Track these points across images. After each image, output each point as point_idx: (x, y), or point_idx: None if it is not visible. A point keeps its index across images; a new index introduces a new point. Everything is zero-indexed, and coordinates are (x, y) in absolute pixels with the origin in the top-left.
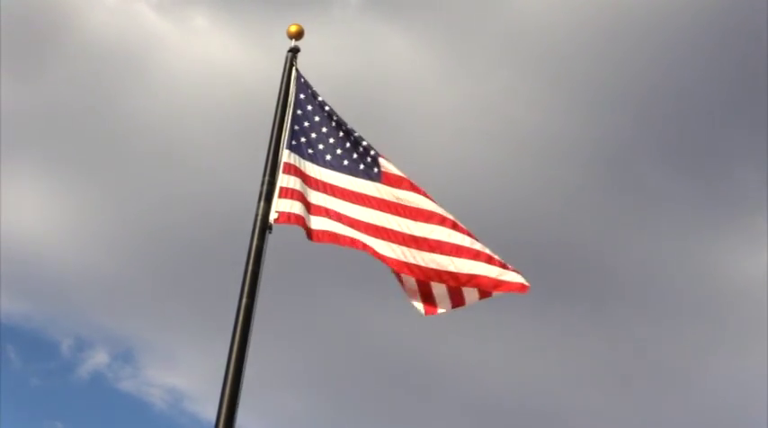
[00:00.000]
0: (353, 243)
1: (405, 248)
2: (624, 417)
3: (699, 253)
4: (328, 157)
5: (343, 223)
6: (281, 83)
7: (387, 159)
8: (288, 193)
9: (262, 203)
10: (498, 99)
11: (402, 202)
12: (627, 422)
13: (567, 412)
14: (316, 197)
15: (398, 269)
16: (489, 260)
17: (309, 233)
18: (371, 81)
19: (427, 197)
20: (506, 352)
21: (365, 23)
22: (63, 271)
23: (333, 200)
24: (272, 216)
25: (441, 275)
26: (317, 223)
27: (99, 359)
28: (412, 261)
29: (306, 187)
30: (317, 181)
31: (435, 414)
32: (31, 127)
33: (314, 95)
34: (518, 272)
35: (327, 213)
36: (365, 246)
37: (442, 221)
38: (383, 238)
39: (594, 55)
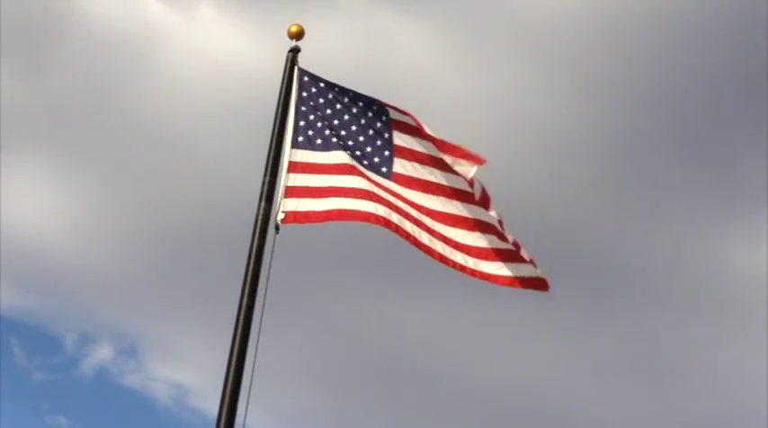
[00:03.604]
0: (354, 215)
1: (416, 227)
2: (628, 412)
3: (706, 246)
4: (335, 140)
5: (350, 196)
6: (282, 83)
7: (405, 158)
8: (294, 192)
9: (262, 203)
10: (509, 91)
11: (410, 199)
12: (631, 416)
13: (572, 407)
14: (323, 180)
15: (411, 240)
16: (511, 257)
17: (316, 216)
18: (377, 74)
19: (450, 197)
20: (511, 347)
21: (372, 15)
22: (67, 265)
23: (342, 178)
24: (279, 216)
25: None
26: (323, 204)
27: (103, 354)
28: (423, 239)
29: (312, 176)
30: (327, 166)
31: (440, 408)
32: (35, 121)
33: (326, 89)
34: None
35: (334, 192)
36: (368, 216)
37: (455, 222)
38: (395, 211)
39: (604, 48)
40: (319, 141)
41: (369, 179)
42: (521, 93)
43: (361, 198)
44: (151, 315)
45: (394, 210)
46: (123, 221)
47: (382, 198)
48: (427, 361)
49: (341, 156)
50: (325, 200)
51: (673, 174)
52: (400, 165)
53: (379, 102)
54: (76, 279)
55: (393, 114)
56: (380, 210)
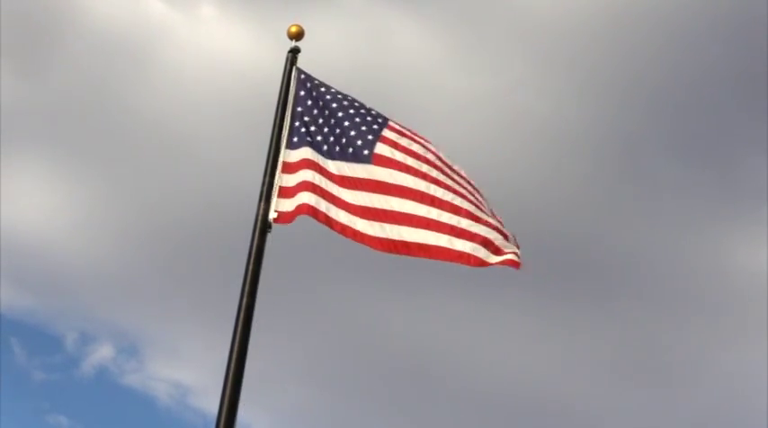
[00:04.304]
0: (344, 229)
1: (393, 226)
2: (628, 410)
3: (706, 245)
4: (325, 148)
5: (339, 207)
6: (281, 84)
7: (388, 144)
8: (285, 192)
9: (262, 203)
10: (509, 89)
11: (392, 182)
12: (631, 414)
13: (572, 405)
14: (312, 177)
15: (389, 249)
16: (485, 242)
17: (307, 211)
18: (379, 71)
19: (426, 179)
20: (511, 346)
21: (372, 15)
22: (68, 265)
23: (333, 186)
24: (272, 215)
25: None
26: (312, 200)
27: (103, 353)
28: (398, 237)
29: (304, 172)
30: (320, 168)
31: (440, 407)
32: (36, 120)
33: (316, 87)
34: (513, 252)
35: (326, 196)
36: (354, 234)
37: (432, 202)
38: (374, 219)
39: (605, 46)
40: (309, 140)
41: (352, 182)
42: (521, 91)
43: (353, 213)
44: (152, 314)
45: (374, 218)
46: (124, 220)
47: (364, 208)
48: (427, 361)
49: (330, 165)
50: (315, 196)
51: (673, 173)
52: (383, 146)
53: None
54: (77, 278)
55: (392, 122)
56: (360, 226)
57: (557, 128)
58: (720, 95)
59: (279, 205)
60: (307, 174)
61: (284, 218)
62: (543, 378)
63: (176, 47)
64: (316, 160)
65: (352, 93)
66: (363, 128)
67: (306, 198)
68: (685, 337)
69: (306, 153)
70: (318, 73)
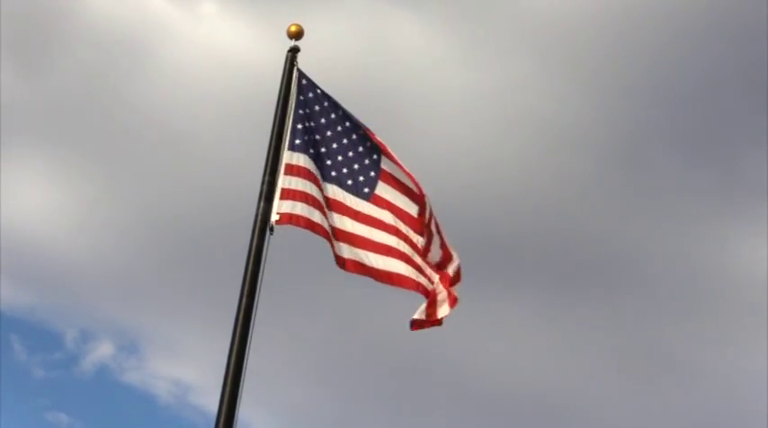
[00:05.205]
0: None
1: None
2: (628, 409)
3: (708, 243)
4: (328, 163)
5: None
6: (281, 83)
7: (387, 182)
8: (289, 194)
9: (262, 203)
10: (511, 88)
11: (384, 221)
12: (631, 413)
13: (572, 403)
14: (318, 194)
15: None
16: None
17: (313, 227)
18: (381, 69)
19: (416, 230)
20: (515, 345)
21: (375, 10)
22: (68, 262)
23: (330, 213)
24: (274, 217)
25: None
26: (320, 218)
27: (104, 350)
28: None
29: (309, 183)
30: (317, 180)
31: (441, 406)
32: (36, 116)
33: (321, 97)
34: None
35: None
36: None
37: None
38: (377, 252)
39: (607, 43)
40: (311, 151)
41: (346, 210)
42: (524, 90)
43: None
44: (152, 311)
45: (378, 251)
46: (124, 217)
47: (352, 236)
48: (429, 360)
49: (328, 187)
50: (321, 215)
51: (675, 171)
52: (383, 189)
53: (367, 129)
54: (77, 275)
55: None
56: (364, 257)
57: (559, 125)
58: (722, 93)
59: (281, 207)
60: (306, 185)
61: (285, 219)
62: (544, 376)
63: (176, 43)
64: (315, 173)
65: (353, 93)
66: (366, 161)
67: (301, 209)
68: (686, 335)
69: (307, 162)
70: (318, 72)
